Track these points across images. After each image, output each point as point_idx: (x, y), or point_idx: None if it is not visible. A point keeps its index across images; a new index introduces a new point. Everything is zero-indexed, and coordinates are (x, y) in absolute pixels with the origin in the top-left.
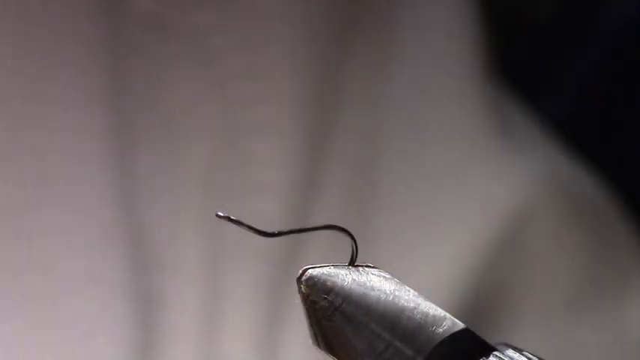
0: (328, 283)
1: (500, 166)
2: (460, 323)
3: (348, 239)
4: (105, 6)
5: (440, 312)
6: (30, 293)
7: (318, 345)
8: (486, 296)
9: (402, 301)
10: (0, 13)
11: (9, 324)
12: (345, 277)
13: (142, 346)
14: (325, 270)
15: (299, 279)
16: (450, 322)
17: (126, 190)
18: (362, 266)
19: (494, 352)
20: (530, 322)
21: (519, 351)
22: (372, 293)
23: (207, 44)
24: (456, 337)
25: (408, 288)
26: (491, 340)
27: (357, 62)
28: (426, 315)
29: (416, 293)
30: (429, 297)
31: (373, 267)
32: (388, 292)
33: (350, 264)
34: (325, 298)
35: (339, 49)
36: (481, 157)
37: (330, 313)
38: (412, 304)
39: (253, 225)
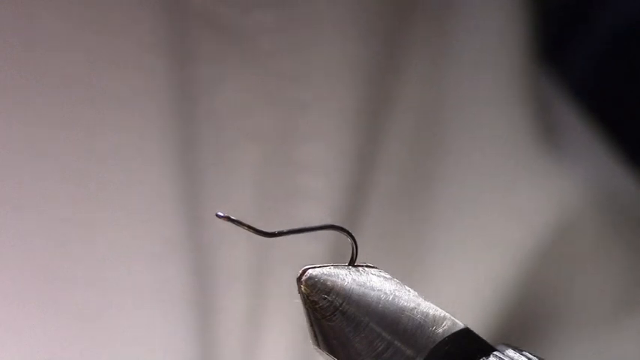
0: (328, 283)
1: (545, 175)
2: (460, 323)
3: (348, 239)
4: (165, 7)
5: (440, 312)
6: (89, 304)
7: (318, 345)
8: (530, 309)
9: (402, 301)
10: (64, 21)
11: (71, 334)
12: (345, 277)
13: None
14: (325, 270)
15: (299, 279)
16: (450, 322)
17: (185, 198)
18: (362, 266)
19: (494, 352)
20: (574, 334)
21: (519, 351)
22: (372, 293)
23: (259, 45)
24: (456, 337)
25: (408, 288)
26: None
27: (409, 67)
28: (426, 315)
29: (416, 293)
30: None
31: (373, 267)
32: (388, 292)
33: (350, 264)
34: (325, 298)
35: (392, 53)
36: (527, 165)
37: (330, 313)
38: (412, 304)
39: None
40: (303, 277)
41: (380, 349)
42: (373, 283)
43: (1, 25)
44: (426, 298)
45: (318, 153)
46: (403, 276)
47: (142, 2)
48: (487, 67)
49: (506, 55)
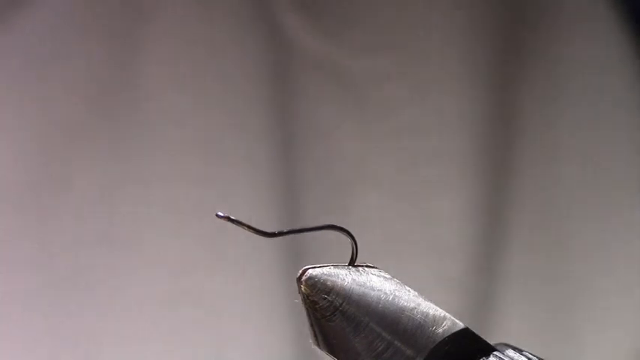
0: (328, 283)
1: None
2: (460, 323)
3: (348, 239)
4: (272, 48)
5: (440, 312)
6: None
7: (318, 345)
8: None
9: (402, 301)
10: (175, 63)
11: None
12: (345, 277)
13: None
14: (325, 270)
15: (299, 279)
16: (450, 322)
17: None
18: (362, 266)
19: (494, 352)
20: None
21: (519, 351)
22: (372, 293)
23: (376, 92)
24: (456, 337)
25: (408, 288)
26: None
27: (526, 114)
28: (426, 315)
29: (416, 293)
30: None
31: (373, 267)
32: (388, 292)
33: (350, 264)
34: (325, 298)
35: (508, 103)
36: None
37: (330, 313)
38: (412, 304)
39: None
40: (303, 277)
41: (380, 349)
42: (373, 283)
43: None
44: (426, 298)
45: (444, 203)
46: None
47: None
48: (603, 96)
49: (621, 85)
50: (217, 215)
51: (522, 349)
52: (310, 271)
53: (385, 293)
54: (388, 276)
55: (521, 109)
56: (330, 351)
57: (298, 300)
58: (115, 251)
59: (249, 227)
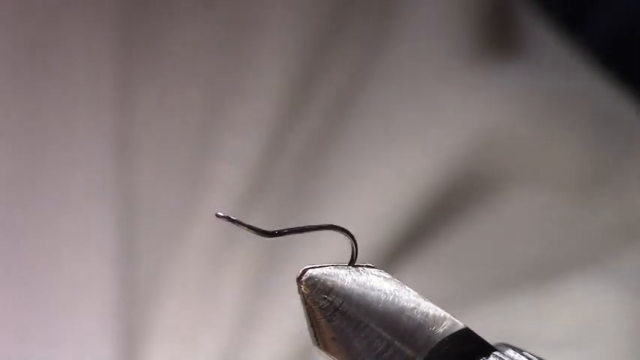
0: (328, 283)
1: (476, 82)
2: (460, 323)
3: (348, 239)
4: None
5: (440, 312)
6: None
7: (318, 345)
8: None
9: (402, 301)
10: None
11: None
12: (345, 277)
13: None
14: (325, 270)
15: (299, 279)
16: (450, 322)
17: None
18: (362, 266)
19: (494, 352)
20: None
21: (519, 351)
22: (372, 293)
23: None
24: (456, 337)
25: (408, 288)
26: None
27: None
28: (426, 315)
29: (416, 293)
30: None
31: (373, 267)
32: (388, 292)
33: (350, 264)
34: (325, 298)
35: None
36: (457, 70)
37: (330, 313)
38: (412, 304)
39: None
40: (303, 277)
41: (380, 349)
42: (373, 283)
43: None
44: (426, 299)
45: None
46: (316, 203)
47: None
48: None
49: None
50: (217, 215)
51: (522, 349)
52: (310, 271)
53: (385, 293)
54: (388, 276)
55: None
56: (330, 351)
57: (298, 300)
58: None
59: (249, 227)
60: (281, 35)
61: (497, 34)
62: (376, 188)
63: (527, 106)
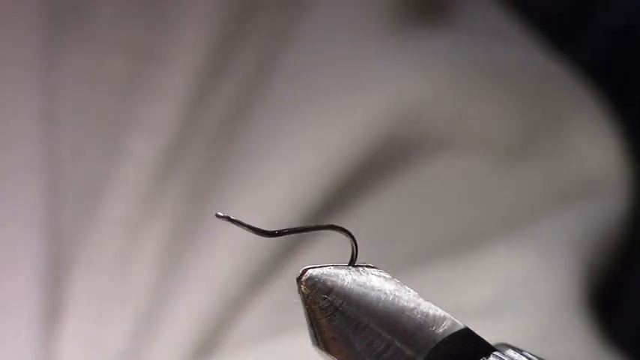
0: (328, 283)
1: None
2: (460, 323)
3: (348, 239)
4: None
5: (440, 312)
6: None
7: (318, 345)
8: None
9: (402, 301)
10: None
11: None
12: (345, 277)
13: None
14: (325, 270)
15: (299, 279)
16: (450, 322)
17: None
18: (362, 266)
19: (494, 352)
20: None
21: (519, 351)
22: (372, 293)
23: None
24: (456, 337)
25: (408, 288)
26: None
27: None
28: (426, 315)
29: (416, 293)
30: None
31: (373, 267)
32: (388, 292)
33: (350, 264)
34: (325, 298)
35: None
36: (373, 40)
37: (330, 313)
38: (412, 304)
39: (254, 225)
40: (303, 277)
41: (380, 349)
42: (373, 283)
43: None
44: (426, 299)
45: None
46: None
47: None
48: None
49: None
50: (217, 215)
51: (522, 349)
52: (310, 271)
53: (385, 293)
54: (388, 276)
55: None
56: (330, 351)
57: (298, 300)
58: None
59: (249, 227)
60: (199, 2)
61: (421, 2)
62: (295, 157)
63: (454, 73)
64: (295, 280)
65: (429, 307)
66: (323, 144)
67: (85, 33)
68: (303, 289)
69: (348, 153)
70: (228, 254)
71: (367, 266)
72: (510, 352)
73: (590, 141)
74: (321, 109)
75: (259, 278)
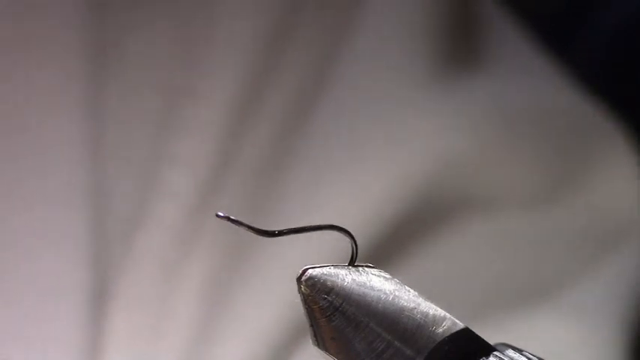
0: (328, 283)
1: (439, 98)
2: (460, 323)
3: (348, 239)
4: None
5: (440, 312)
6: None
7: (318, 345)
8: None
9: (402, 301)
10: None
11: None
12: (345, 277)
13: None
14: (325, 270)
15: (299, 279)
16: (450, 322)
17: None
18: (362, 266)
19: (494, 352)
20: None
21: (519, 351)
22: (372, 293)
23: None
24: (455, 337)
25: (408, 288)
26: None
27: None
28: (426, 315)
29: (416, 293)
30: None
31: (373, 267)
32: (388, 292)
33: (350, 264)
34: (325, 298)
35: None
36: (420, 94)
37: (330, 313)
38: (412, 304)
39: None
40: (303, 277)
41: (380, 349)
42: (373, 283)
43: None
44: (426, 299)
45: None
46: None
47: None
48: None
49: None
50: (217, 215)
51: (522, 349)
52: (310, 271)
53: (385, 293)
54: (388, 276)
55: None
56: (330, 351)
57: (298, 300)
58: None
59: (249, 227)
60: (233, 40)
61: (459, 50)
62: (333, 206)
63: (493, 122)
64: (295, 280)
65: (428, 307)
66: (362, 196)
67: (124, 71)
68: (303, 289)
69: (385, 207)
70: (272, 296)
71: (367, 266)
72: (510, 352)
73: (621, 184)
74: (361, 158)
75: (304, 324)
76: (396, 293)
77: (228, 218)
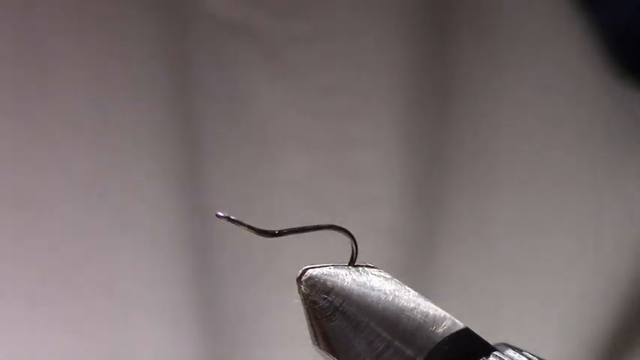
0: (328, 283)
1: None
2: (460, 323)
3: (348, 239)
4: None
5: (440, 312)
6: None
7: (318, 345)
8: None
9: (402, 301)
10: (69, 31)
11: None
12: (345, 277)
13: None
14: (325, 270)
15: (299, 279)
16: (450, 322)
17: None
18: (362, 266)
19: (494, 352)
20: None
21: (519, 351)
22: (372, 293)
23: (294, 55)
24: (455, 337)
25: (408, 288)
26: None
27: (464, 64)
28: (426, 315)
29: (416, 293)
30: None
31: (373, 267)
32: (388, 292)
33: (350, 264)
34: (325, 298)
35: (438, 53)
36: (619, 168)
37: (330, 313)
38: (412, 304)
39: (254, 225)
40: (303, 277)
41: (380, 349)
42: (373, 283)
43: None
44: (426, 299)
45: (372, 160)
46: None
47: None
48: (563, 61)
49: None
50: (217, 215)
51: (522, 349)
52: (310, 271)
53: (385, 293)
54: (388, 276)
55: (456, 63)
56: (330, 351)
57: (298, 300)
58: None
59: (249, 227)
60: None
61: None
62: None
63: None
64: (295, 280)
65: (428, 307)
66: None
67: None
68: (303, 289)
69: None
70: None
71: (367, 266)
72: (510, 352)
73: None
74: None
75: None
76: (396, 293)
77: (228, 218)
